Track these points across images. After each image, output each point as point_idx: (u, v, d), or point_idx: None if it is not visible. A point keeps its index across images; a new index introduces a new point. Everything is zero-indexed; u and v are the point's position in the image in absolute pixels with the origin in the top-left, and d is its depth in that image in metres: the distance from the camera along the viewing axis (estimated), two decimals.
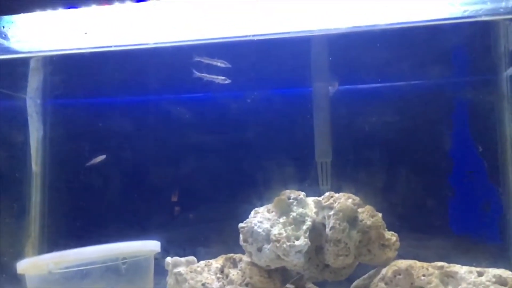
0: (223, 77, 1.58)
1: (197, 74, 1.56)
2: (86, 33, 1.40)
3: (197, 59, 1.54)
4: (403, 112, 1.64)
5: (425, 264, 1.18)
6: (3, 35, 1.48)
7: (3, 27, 1.43)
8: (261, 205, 1.35)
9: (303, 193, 1.31)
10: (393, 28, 1.40)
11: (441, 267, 1.16)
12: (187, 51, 1.44)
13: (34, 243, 1.71)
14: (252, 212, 1.34)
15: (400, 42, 1.55)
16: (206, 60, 1.54)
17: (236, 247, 1.37)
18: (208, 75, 1.57)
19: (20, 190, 1.72)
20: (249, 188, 1.60)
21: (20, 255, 1.67)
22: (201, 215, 1.71)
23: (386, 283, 1.20)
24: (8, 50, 1.53)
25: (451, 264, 1.17)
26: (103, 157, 1.62)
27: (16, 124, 1.72)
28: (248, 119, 1.67)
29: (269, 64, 1.60)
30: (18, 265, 1.16)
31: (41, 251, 1.71)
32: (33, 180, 1.74)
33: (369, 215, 1.27)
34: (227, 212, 1.66)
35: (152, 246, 1.17)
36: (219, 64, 1.56)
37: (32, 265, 1.12)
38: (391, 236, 1.28)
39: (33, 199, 1.74)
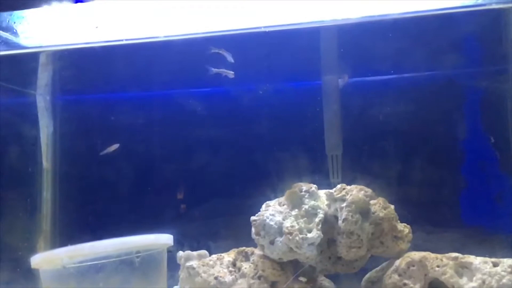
0: (232, 71, 1.57)
1: (214, 70, 1.55)
2: (96, 27, 1.39)
3: (214, 50, 1.53)
4: (414, 104, 1.63)
5: (439, 255, 1.17)
6: (13, 31, 1.48)
7: (14, 22, 1.42)
8: (272, 198, 1.35)
9: (315, 185, 1.31)
10: (403, 17, 1.38)
11: (456, 258, 1.15)
12: (198, 44, 1.44)
13: (46, 238, 1.72)
14: (264, 205, 1.34)
15: (410, 32, 1.54)
16: (222, 52, 1.53)
17: (247, 241, 1.37)
18: (221, 70, 1.57)
19: (32, 186, 1.73)
20: (259, 181, 1.60)
21: (33, 250, 1.68)
22: (211, 209, 1.71)
23: (399, 275, 1.19)
24: (18, 46, 1.53)
25: (466, 255, 1.16)
26: (116, 145, 1.62)
27: (27, 120, 1.73)
28: (257, 112, 1.67)
29: (279, 57, 1.59)
30: (32, 259, 1.17)
31: (53, 246, 1.72)
32: (44, 175, 1.75)
33: (381, 207, 1.26)
34: (237, 205, 1.66)
35: (165, 239, 1.17)
36: (228, 57, 1.56)
37: (46, 259, 1.12)
38: (404, 228, 1.28)
39: (44, 195, 1.74)
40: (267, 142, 1.68)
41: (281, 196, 1.35)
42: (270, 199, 1.36)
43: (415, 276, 1.17)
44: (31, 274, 1.61)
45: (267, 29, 1.31)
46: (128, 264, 1.05)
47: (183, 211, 1.72)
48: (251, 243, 1.34)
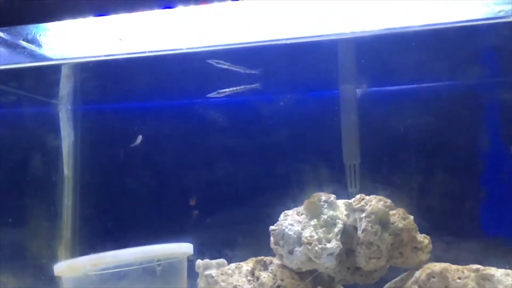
0: (248, 86, 1.59)
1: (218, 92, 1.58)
2: (120, 39, 1.42)
3: (216, 64, 1.55)
4: (432, 114, 1.63)
5: (460, 267, 1.17)
6: (37, 43, 1.52)
7: (39, 35, 1.46)
8: (289, 208, 1.35)
9: (334, 195, 1.31)
10: (423, 29, 1.39)
11: (477, 270, 1.14)
12: (220, 56, 1.46)
13: (67, 245, 1.75)
14: (282, 215, 1.35)
15: (429, 43, 1.54)
16: (226, 66, 1.55)
17: (264, 250, 1.38)
18: (230, 89, 1.59)
19: (54, 194, 1.76)
20: (276, 191, 1.61)
21: (54, 257, 1.71)
22: (229, 218, 1.72)
23: (419, 286, 1.19)
24: (42, 58, 1.57)
25: (487, 267, 1.16)
26: (140, 137, 1.63)
27: (50, 129, 1.77)
28: (275, 122, 1.68)
29: (298, 67, 1.60)
30: (55, 267, 1.18)
31: (73, 253, 1.75)
32: (65, 183, 1.78)
33: (400, 217, 1.26)
34: (254, 214, 1.67)
35: (186, 248, 1.18)
36: (240, 70, 1.57)
37: (69, 267, 1.14)
38: (424, 239, 1.27)
39: (66, 202, 1.78)
40: (284, 151, 1.68)
41: (299, 205, 1.37)
42: (287, 209, 1.37)
43: (436, 287, 1.17)
44: (53, 281, 1.64)
45: (288, 42, 1.32)
46: (150, 272, 1.06)
47: (196, 218, 1.73)
48: (269, 252, 1.35)
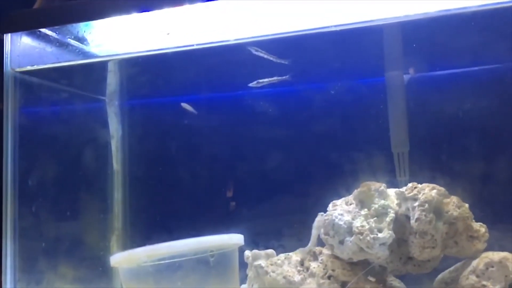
0: (280, 77, 1.59)
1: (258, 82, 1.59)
2: (168, 34, 1.44)
3: (257, 52, 1.56)
4: (483, 98, 1.57)
5: None
6: (84, 41, 1.56)
7: (88, 32, 1.50)
8: (335, 197, 1.34)
9: (384, 184, 1.29)
10: (472, 11, 1.34)
11: None
12: (267, 45, 1.45)
13: (118, 237, 1.80)
14: (330, 205, 1.34)
15: (478, 25, 1.48)
16: (263, 54, 1.56)
17: (308, 240, 1.38)
18: (271, 79, 1.60)
19: (105, 187, 1.82)
20: (323, 180, 1.60)
21: (107, 249, 1.77)
22: (275, 208, 1.72)
23: (477, 276, 1.15)
24: (90, 55, 1.61)
25: None
26: (187, 106, 1.66)
27: (99, 125, 1.82)
28: (320, 111, 1.66)
29: (344, 54, 1.58)
30: (111, 258, 1.22)
31: (124, 245, 1.80)
32: (114, 177, 1.84)
33: (455, 205, 1.23)
34: (300, 204, 1.67)
35: (237, 239, 1.19)
36: (273, 59, 1.58)
37: (125, 258, 1.17)
38: (480, 227, 1.24)
39: (116, 195, 1.83)
40: (331, 140, 1.67)
41: (346, 195, 1.35)
42: (334, 199, 1.36)
43: (495, 277, 1.13)
44: (109, 272, 1.70)
45: (337, 28, 1.30)
46: (204, 263, 1.08)
47: (233, 209, 1.74)
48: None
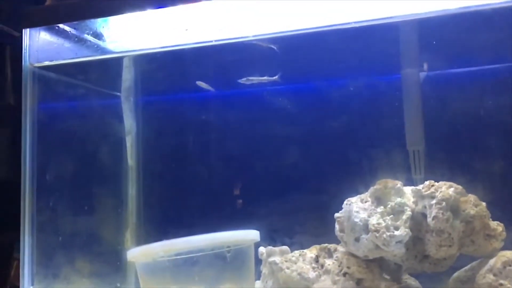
0: (270, 77, 1.60)
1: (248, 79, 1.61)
2: (186, 30, 1.45)
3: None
4: (498, 96, 1.55)
5: None
6: (101, 37, 1.57)
7: (103, 27, 1.51)
8: (350, 195, 1.33)
9: (400, 182, 1.28)
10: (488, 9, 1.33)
11: None
12: (285, 42, 1.46)
13: (133, 232, 1.81)
14: (345, 202, 1.33)
15: (495, 22, 1.47)
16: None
17: (323, 237, 1.37)
18: (255, 78, 1.62)
19: (120, 183, 1.83)
20: (338, 178, 1.59)
21: (121, 244, 1.78)
22: (289, 205, 1.72)
23: (495, 275, 1.15)
24: (105, 51, 1.62)
25: None
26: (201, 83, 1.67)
27: (115, 121, 1.83)
28: (335, 108, 1.66)
29: (359, 52, 1.57)
30: (128, 253, 1.23)
31: (138, 240, 1.81)
32: (129, 173, 1.85)
33: (472, 204, 1.22)
34: (315, 202, 1.67)
35: (253, 235, 1.20)
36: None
37: (142, 253, 1.18)
38: (497, 226, 1.23)
39: (130, 191, 1.84)
40: (346, 137, 1.66)
41: (362, 192, 1.35)
42: (349, 196, 1.35)
43: None
44: (122, 267, 1.71)
45: (354, 25, 1.30)
46: (221, 258, 1.09)
47: (240, 204, 1.75)
48: (327, 239, 1.34)
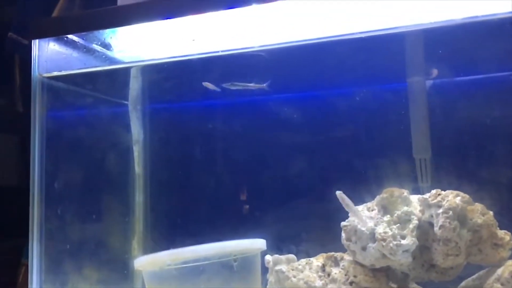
0: (257, 84, 1.62)
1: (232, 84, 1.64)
2: (193, 40, 1.46)
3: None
4: (505, 105, 1.55)
5: None
6: (109, 47, 1.59)
7: (111, 37, 1.53)
8: (355, 203, 1.33)
9: (406, 190, 1.28)
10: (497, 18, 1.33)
11: None
12: (293, 52, 1.47)
13: (139, 240, 1.82)
14: None
15: (502, 31, 1.47)
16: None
17: (329, 246, 1.37)
18: (241, 83, 1.64)
19: (127, 191, 1.84)
20: (344, 186, 1.59)
21: (128, 252, 1.79)
22: (295, 213, 1.72)
23: (502, 284, 1.14)
24: (113, 60, 1.64)
25: None
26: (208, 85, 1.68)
27: (122, 129, 1.85)
28: (341, 116, 1.67)
29: (365, 60, 1.58)
30: (135, 261, 1.24)
31: (145, 248, 1.82)
32: (136, 181, 1.86)
33: (479, 213, 1.22)
34: (321, 210, 1.67)
35: (260, 244, 1.20)
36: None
37: (149, 261, 1.19)
38: (504, 235, 1.22)
39: (137, 199, 1.85)
40: (352, 146, 1.67)
41: (367, 201, 1.35)
42: (355, 204, 1.35)
43: None
44: (130, 275, 1.72)
45: (360, 35, 1.31)
46: (227, 267, 1.09)
47: (246, 212, 1.75)
48: (333, 248, 1.34)
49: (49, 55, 1.52)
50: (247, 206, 1.74)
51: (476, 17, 1.33)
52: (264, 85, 1.63)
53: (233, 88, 1.67)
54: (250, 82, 1.64)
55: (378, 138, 1.66)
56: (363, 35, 1.33)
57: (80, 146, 1.70)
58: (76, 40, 1.53)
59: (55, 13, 1.74)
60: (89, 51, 1.56)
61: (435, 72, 1.56)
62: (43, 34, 1.45)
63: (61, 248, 1.53)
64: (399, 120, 1.60)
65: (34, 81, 1.50)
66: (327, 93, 1.71)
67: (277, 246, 1.56)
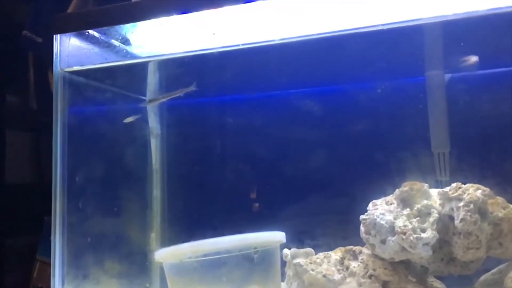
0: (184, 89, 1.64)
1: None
2: (214, 34, 1.47)
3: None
4: None
5: None
6: (128, 42, 1.60)
7: (132, 32, 1.54)
8: (374, 197, 1.33)
9: (426, 184, 1.28)
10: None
11: None
12: (312, 45, 1.46)
13: (157, 234, 1.83)
14: (370, 205, 1.33)
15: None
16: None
17: (348, 239, 1.37)
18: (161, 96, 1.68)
19: (145, 185, 1.86)
20: (363, 181, 1.59)
21: (146, 246, 1.81)
22: (315, 208, 1.72)
23: None
24: (131, 55, 1.65)
25: None
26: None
27: (139, 124, 1.86)
28: (359, 111, 1.66)
29: (384, 54, 1.57)
30: (156, 254, 1.26)
31: (163, 242, 1.83)
32: (154, 176, 1.88)
33: (500, 206, 1.21)
34: (340, 204, 1.67)
35: (279, 237, 1.21)
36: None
37: (170, 254, 1.20)
38: None
39: (155, 193, 1.87)
40: (370, 140, 1.66)
41: (387, 194, 1.34)
42: (374, 198, 1.35)
43: None
44: (150, 268, 1.73)
45: (379, 28, 1.30)
46: (248, 259, 1.10)
47: (264, 208, 1.75)
48: (354, 241, 1.34)
49: (70, 50, 1.53)
50: (264, 202, 1.75)
51: (500, 8, 1.32)
52: (192, 86, 1.64)
53: (151, 105, 1.70)
54: (177, 88, 1.66)
55: (397, 132, 1.65)
56: (382, 28, 1.32)
57: (100, 141, 1.71)
58: (97, 35, 1.54)
59: (70, 9, 1.76)
60: (109, 46, 1.57)
61: (471, 60, 1.54)
62: (65, 29, 1.46)
63: (83, 242, 1.55)
64: (418, 114, 1.59)
65: (56, 76, 1.51)
66: (344, 87, 1.70)
67: (295, 239, 1.56)
